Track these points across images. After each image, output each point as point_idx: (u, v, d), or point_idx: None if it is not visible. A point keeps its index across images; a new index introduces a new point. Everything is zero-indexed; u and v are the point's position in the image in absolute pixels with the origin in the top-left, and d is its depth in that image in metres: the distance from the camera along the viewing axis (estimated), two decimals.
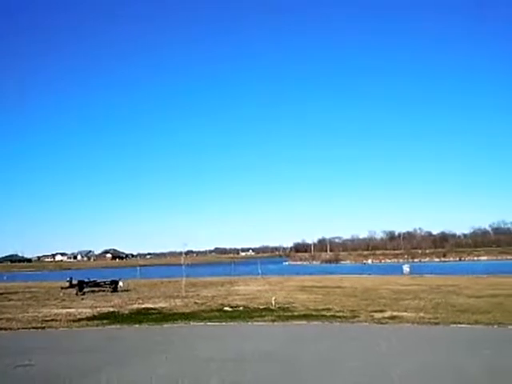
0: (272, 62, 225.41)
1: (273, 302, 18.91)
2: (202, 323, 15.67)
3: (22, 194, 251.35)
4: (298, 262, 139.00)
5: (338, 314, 16.01)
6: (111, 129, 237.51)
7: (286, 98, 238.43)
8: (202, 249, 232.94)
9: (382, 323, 14.20)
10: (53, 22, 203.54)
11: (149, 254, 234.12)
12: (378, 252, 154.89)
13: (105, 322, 16.36)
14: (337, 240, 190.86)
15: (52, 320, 17.09)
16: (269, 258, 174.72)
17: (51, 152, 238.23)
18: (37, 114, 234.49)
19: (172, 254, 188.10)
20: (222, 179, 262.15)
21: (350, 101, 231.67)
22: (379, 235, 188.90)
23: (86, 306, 21.86)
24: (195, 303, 22.40)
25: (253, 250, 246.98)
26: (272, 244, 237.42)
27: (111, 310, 20.21)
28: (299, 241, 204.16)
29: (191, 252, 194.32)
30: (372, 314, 16.04)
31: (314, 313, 16.65)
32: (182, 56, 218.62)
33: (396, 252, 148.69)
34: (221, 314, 18.05)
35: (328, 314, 16.25)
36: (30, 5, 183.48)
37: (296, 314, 16.70)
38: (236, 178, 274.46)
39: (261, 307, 19.99)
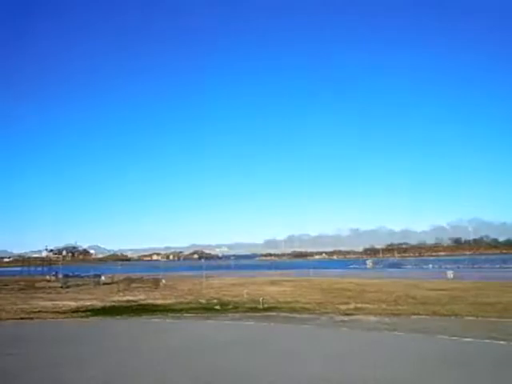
0: (268, 63, 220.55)
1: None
2: (178, 314, 15.84)
3: (15, 193, 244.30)
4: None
5: (306, 306, 16.15)
6: (105, 130, 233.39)
7: (265, 100, 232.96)
8: (279, 252, 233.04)
9: (346, 314, 14.37)
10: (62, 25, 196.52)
11: (233, 255, 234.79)
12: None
13: (88, 313, 16.34)
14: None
15: (39, 311, 17.03)
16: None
17: (43, 152, 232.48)
18: (33, 115, 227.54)
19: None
20: (199, 181, 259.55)
21: (326, 103, 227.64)
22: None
23: (71, 299, 21.84)
24: (173, 296, 22.62)
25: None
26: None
27: (94, 302, 20.28)
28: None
29: (269, 254, 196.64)
30: (338, 305, 16.17)
31: (283, 305, 16.72)
32: (186, 58, 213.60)
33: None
34: (196, 305, 18.33)
35: (297, 305, 16.35)
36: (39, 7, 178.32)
37: (266, 305, 16.76)
38: (211, 180, 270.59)
39: (234, 299, 20.30)
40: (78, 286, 30.24)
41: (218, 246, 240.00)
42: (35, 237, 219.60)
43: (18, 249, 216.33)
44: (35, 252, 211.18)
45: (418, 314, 13.72)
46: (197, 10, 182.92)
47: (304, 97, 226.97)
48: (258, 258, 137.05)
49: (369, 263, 52.67)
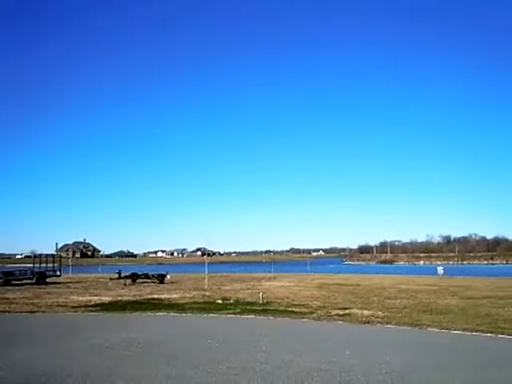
0: (273, 69, 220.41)
1: (260, 297, 18.48)
2: (181, 309, 15.89)
3: (26, 192, 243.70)
4: (356, 262, 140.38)
5: (302, 310, 15.35)
6: (115, 131, 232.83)
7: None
8: (279, 249, 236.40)
9: (332, 319, 13.44)
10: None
11: (234, 252, 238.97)
12: (433, 254, 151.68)
13: (97, 308, 16.38)
14: (397, 243, 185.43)
15: (50, 305, 17.12)
16: (335, 257, 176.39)
17: (52, 151, 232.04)
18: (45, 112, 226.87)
19: (254, 252, 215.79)
20: (300, 191, 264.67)
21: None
22: (436, 239, 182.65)
23: (79, 294, 22.03)
24: (177, 291, 23.26)
25: (323, 250, 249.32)
26: (340, 245, 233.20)
27: (102, 297, 20.42)
28: (363, 243, 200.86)
29: (269, 251, 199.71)
30: (336, 310, 15.10)
31: (288, 308, 15.99)
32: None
33: (449, 254, 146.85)
34: (199, 300, 18.82)
35: (296, 310, 15.54)
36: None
37: (271, 308, 16.17)
38: (313, 192, 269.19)
39: (235, 295, 20.65)
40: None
41: (315, 250, 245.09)
42: (46, 234, 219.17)
43: (30, 246, 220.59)
44: (152, 252, 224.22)
45: (409, 324, 12.45)
46: (199, 11, 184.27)
47: None
48: (345, 262, 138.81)
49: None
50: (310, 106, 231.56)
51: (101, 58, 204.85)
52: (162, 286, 28.97)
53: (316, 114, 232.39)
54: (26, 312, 15.36)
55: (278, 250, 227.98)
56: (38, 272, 31.98)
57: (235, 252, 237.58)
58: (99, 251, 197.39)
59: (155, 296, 20.97)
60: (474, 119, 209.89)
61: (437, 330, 11.34)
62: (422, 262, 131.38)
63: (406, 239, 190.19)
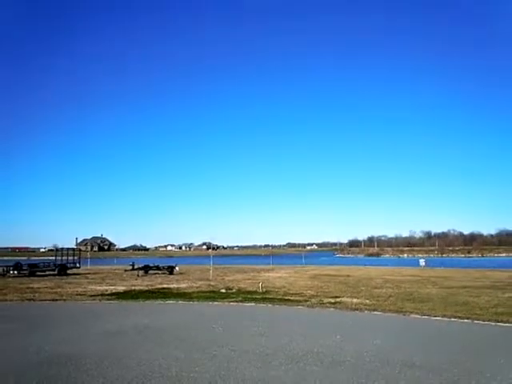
0: (273, 71, 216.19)
1: (260, 287, 18.49)
2: (189, 297, 15.81)
3: (47, 192, 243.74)
4: (346, 255, 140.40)
5: (297, 298, 15.36)
6: (127, 133, 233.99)
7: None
8: (277, 243, 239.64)
9: (325, 306, 13.34)
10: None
11: (237, 246, 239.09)
12: (415, 248, 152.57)
13: (113, 296, 16.32)
14: (383, 238, 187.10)
15: (71, 294, 17.06)
16: (327, 251, 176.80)
17: (73, 151, 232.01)
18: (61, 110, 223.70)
19: (254, 246, 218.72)
20: (296, 192, 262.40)
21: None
22: (418, 234, 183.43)
23: (97, 284, 21.80)
24: (185, 281, 23.04)
25: (316, 244, 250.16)
26: (332, 240, 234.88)
27: (117, 287, 20.34)
28: (352, 238, 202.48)
29: (268, 245, 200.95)
30: (328, 299, 15.10)
31: (285, 297, 15.98)
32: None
33: (430, 248, 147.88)
34: (205, 289, 18.62)
35: (292, 298, 15.54)
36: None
37: (270, 296, 16.16)
38: (308, 192, 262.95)
39: (238, 284, 20.42)
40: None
41: (309, 244, 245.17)
42: (66, 230, 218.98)
43: (52, 240, 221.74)
44: (162, 247, 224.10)
45: (393, 311, 12.36)
46: (200, 12, 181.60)
47: None
48: (337, 255, 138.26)
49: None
50: (310, 108, 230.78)
51: (105, 58, 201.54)
52: (171, 276, 28.95)
53: (314, 115, 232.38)
54: (49, 300, 15.37)
55: (276, 244, 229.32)
56: (60, 264, 32.05)
57: (237, 246, 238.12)
58: (115, 245, 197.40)
59: (165, 286, 20.98)
60: (456, 122, 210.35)
61: (419, 316, 11.34)
62: (405, 255, 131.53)
63: (391, 234, 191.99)
